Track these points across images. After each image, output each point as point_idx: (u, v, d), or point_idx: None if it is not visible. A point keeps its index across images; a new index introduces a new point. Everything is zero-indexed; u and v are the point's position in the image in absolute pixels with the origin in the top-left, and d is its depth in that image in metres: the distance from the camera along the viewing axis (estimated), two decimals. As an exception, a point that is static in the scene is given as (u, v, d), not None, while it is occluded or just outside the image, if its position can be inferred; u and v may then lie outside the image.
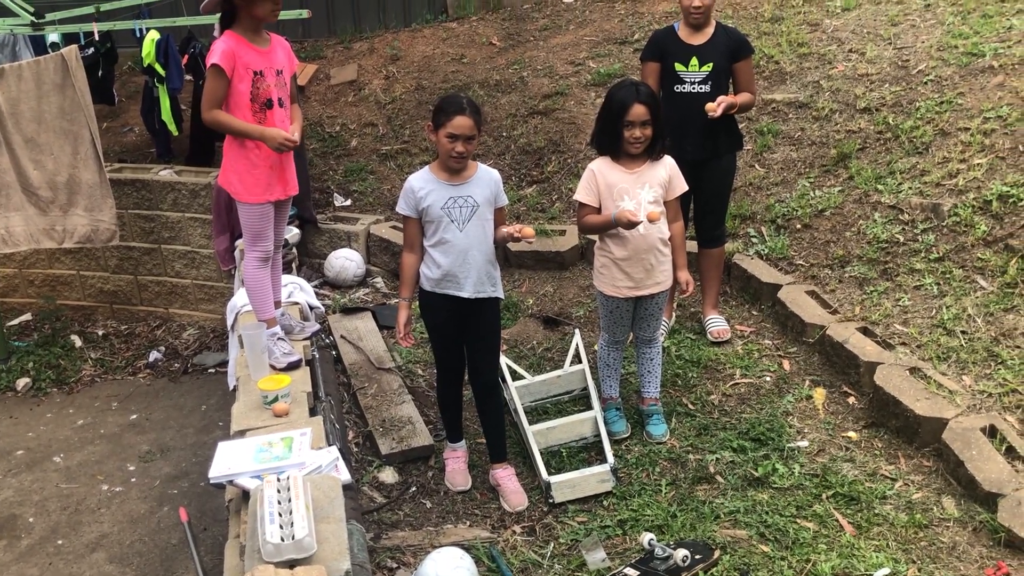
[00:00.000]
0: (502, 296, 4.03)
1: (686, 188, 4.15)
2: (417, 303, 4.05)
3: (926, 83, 5.73)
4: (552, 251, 5.95)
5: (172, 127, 7.12)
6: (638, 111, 3.89)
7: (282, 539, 2.36)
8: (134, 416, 6.00)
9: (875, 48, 6.30)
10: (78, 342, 6.90)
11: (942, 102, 5.51)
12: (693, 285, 4.26)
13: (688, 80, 4.59)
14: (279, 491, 2.53)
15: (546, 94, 7.09)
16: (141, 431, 5.81)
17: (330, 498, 2.65)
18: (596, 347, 4.95)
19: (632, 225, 3.90)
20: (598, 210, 4.05)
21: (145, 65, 6.95)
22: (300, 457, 2.96)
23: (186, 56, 7.10)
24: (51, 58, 5.83)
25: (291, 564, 2.34)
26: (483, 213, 3.80)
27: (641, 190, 4.00)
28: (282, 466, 2.90)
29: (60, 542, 4.76)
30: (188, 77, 7.35)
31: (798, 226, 5.46)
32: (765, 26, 7.19)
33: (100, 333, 7.02)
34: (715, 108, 4.46)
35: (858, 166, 5.51)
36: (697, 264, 5.06)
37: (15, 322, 7.07)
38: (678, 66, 4.60)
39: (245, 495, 2.88)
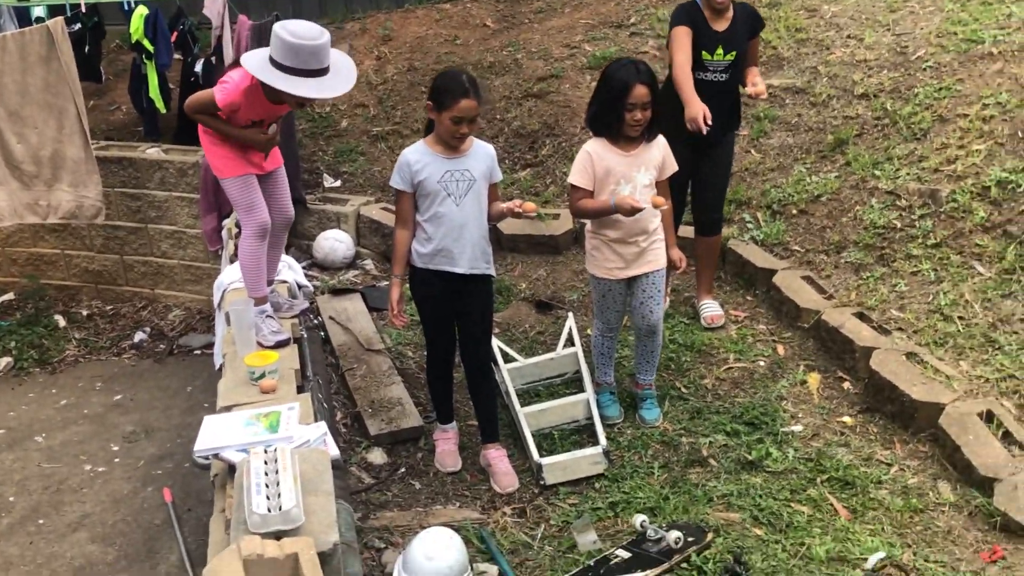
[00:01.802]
0: (494, 275, 3.96)
1: (676, 168, 4.07)
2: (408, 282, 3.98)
3: (925, 69, 5.68)
4: (545, 235, 5.88)
5: (160, 104, 7.02)
6: (640, 92, 3.77)
7: (269, 510, 2.29)
8: (118, 397, 5.91)
9: (873, 34, 6.25)
10: (62, 322, 6.80)
11: (941, 88, 5.45)
12: (685, 261, 4.20)
13: (712, 68, 4.47)
14: (266, 463, 2.46)
15: (540, 77, 7.01)
16: (125, 412, 5.72)
17: (318, 471, 2.58)
18: (589, 331, 4.89)
19: (635, 212, 3.81)
20: (591, 194, 3.96)
21: (133, 41, 6.84)
22: (288, 431, 2.89)
23: (175, 32, 6.98)
24: (36, 30, 5.71)
25: (278, 535, 2.27)
26: (479, 188, 3.73)
27: (638, 173, 3.92)
28: (270, 440, 2.82)
29: (41, 521, 4.68)
30: (177, 56, 7.25)
31: (794, 212, 5.41)
32: (763, 11, 7.08)
33: (84, 313, 6.92)
34: (763, 91, 4.42)
35: (855, 152, 5.46)
36: (693, 250, 5.00)
37: (-3, 301, 6.97)
38: (704, 54, 4.44)
39: (231, 469, 2.81)
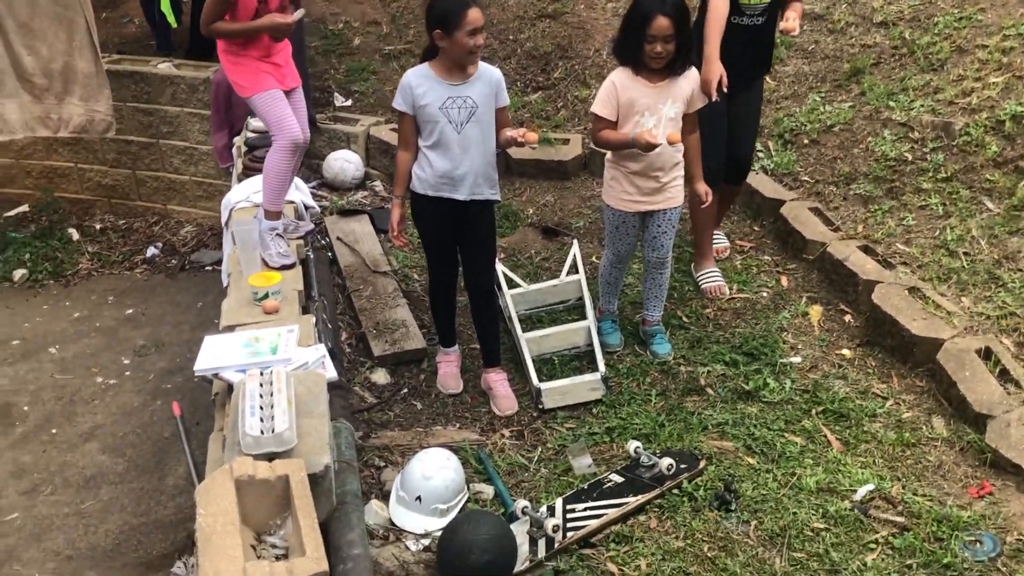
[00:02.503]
0: (499, 199, 3.95)
1: (707, 102, 3.99)
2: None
3: (947, -3, 5.54)
4: (555, 160, 5.84)
5: (171, 19, 6.92)
6: (661, 24, 3.64)
7: (262, 432, 2.35)
8: (130, 311, 6.00)
9: (897, -41, 6.07)
10: (75, 235, 6.86)
11: (961, 18, 5.32)
12: (712, 195, 4.14)
13: (748, 12, 4.25)
14: (262, 385, 2.52)
15: (555, -4, 6.88)
16: (137, 326, 5.81)
17: (314, 394, 2.64)
18: (594, 259, 4.91)
19: (651, 148, 3.74)
20: (614, 124, 3.90)
21: (143, -48, 6.74)
22: (286, 353, 2.94)
23: (186, -56, 6.87)
24: (44, -60, 5.64)
25: (270, 457, 2.33)
26: (482, 115, 3.68)
27: (664, 105, 3.82)
28: (268, 361, 2.88)
29: (54, 431, 4.81)
30: (189, -33, 7.13)
31: (806, 141, 5.35)
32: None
33: (98, 227, 6.98)
34: (794, 28, 4.16)
35: (871, 81, 5.36)
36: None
37: (12, 213, 7.02)
38: None
39: (230, 389, 2.88)
